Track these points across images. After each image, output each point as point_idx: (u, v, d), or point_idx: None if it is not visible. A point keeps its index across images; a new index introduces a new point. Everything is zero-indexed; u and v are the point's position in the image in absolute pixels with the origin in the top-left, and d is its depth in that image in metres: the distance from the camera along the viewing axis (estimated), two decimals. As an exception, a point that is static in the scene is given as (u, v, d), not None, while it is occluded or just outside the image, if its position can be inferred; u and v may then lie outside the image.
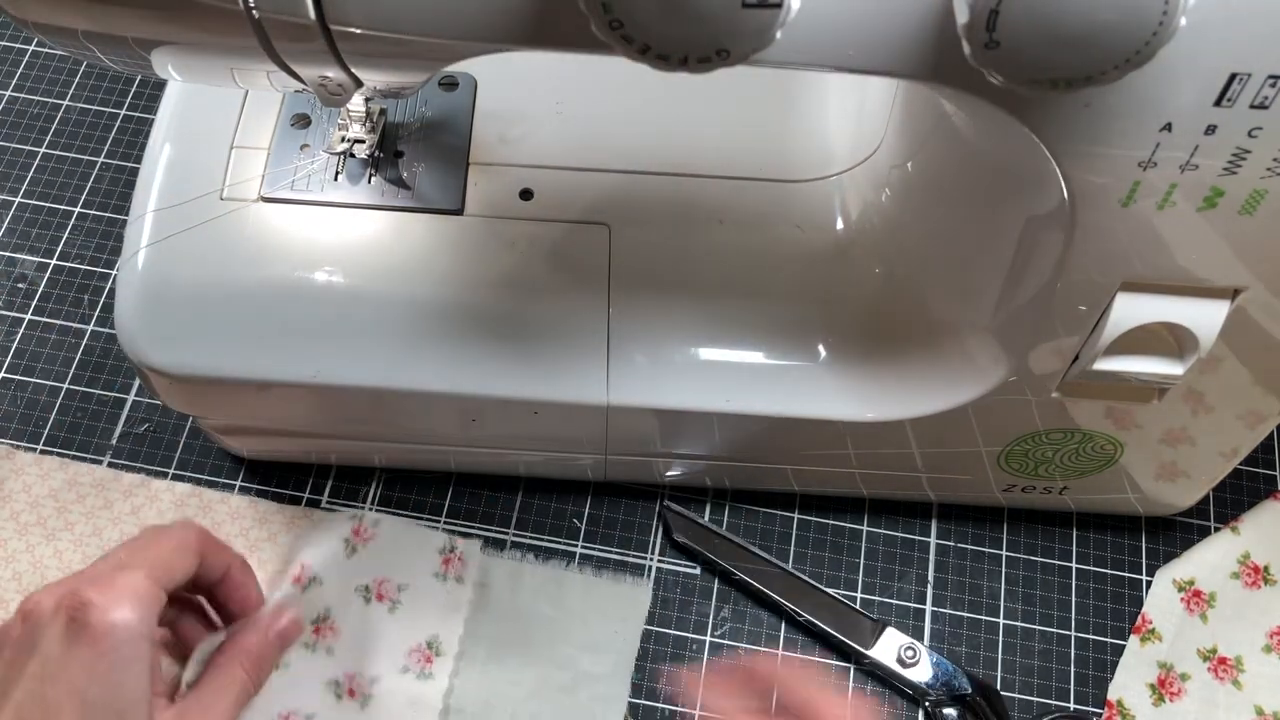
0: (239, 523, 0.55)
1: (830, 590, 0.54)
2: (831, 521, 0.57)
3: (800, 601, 0.54)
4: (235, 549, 0.53)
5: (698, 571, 0.56)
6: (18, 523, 0.54)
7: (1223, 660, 0.54)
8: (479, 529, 0.56)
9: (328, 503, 0.56)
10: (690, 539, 0.55)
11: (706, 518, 0.57)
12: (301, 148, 0.50)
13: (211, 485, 0.56)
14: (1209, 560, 0.56)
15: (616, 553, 0.56)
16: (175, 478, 0.56)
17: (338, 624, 0.51)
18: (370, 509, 0.56)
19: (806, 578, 0.55)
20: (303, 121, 0.51)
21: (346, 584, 0.52)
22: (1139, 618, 0.55)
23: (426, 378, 0.47)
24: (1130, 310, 0.40)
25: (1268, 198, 0.35)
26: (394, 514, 0.55)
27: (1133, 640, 0.54)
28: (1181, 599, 0.55)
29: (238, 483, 0.56)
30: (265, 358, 0.47)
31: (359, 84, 0.37)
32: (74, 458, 0.57)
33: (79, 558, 0.54)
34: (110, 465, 0.57)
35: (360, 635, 0.51)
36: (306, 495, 0.56)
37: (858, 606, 0.54)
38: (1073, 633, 0.55)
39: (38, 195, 0.64)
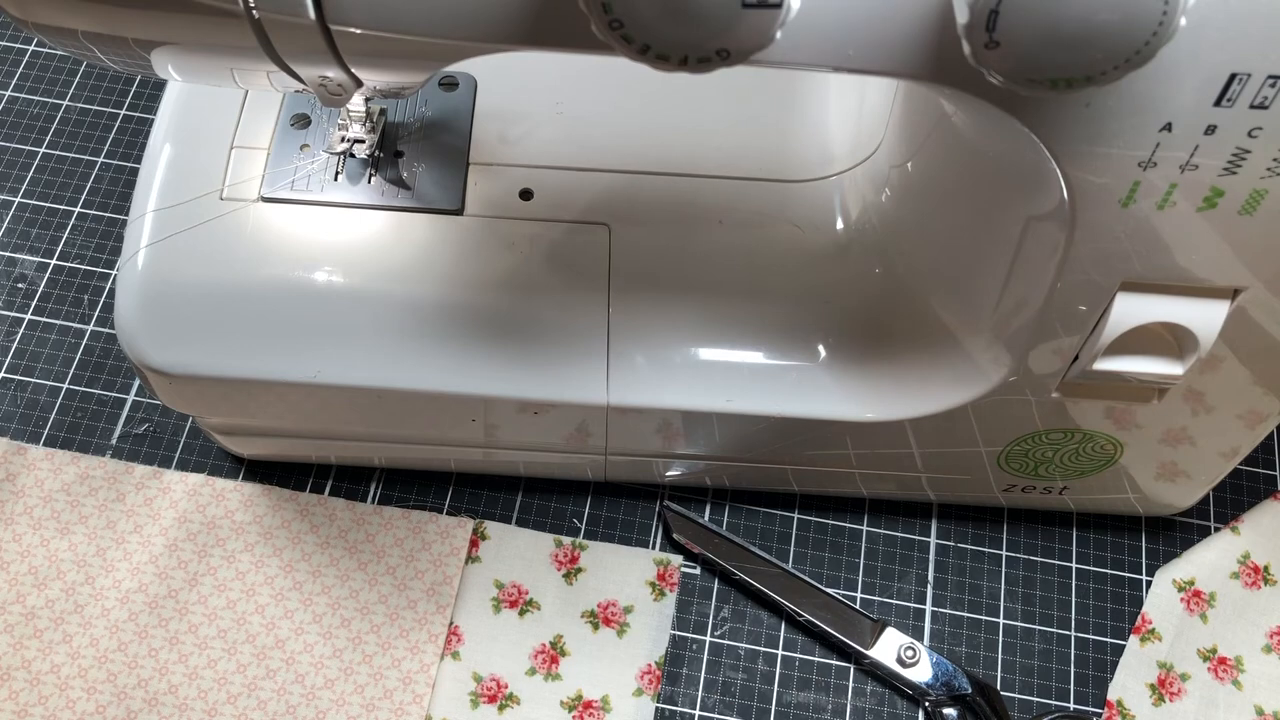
0: (252, 510, 0.55)
1: (830, 590, 0.54)
2: (831, 521, 0.57)
3: (800, 601, 0.54)
4: (249, 536, 0.53)
5: (698, 571, 0.56)
6: (31, 517, 0.55)
7: (1223, 660, 0.54)
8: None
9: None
10: (690, 539, 0.55)
11: (706, 518, 0.57)
12: (301, 148, 0.50)
13: (211, 485, 0.56)
14: (1209, 560, 0.56)
15: (616, 553, 0.56)
16: (175, 478, 0.56)
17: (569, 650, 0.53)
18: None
19: (806, 578, 0.55)
20: (303, 121, 0.51)
21: (570, 611, 0.54)
22: (1139, 618, 0.55)
23: (426, 378, 0.47)
24: (1130, 310, 0.40)
25: (1268, 198, 0.35)
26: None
27: (1133, 640, 0.54)
28: (1181, 599, 0.55)
29: (237, 482, 0.56)
30: (265, 358, 0.47)
31: (359, 84, 0.37)
32: (74, 458, 0.57)
33: (93, 550, 0.54)
34: (110, 465, 0.57)
35: (590, 661, 0.53)
36: (307, 495, 0.56)
37: (857, 606, 0.54)
38: (1073, 633, 0.55)
39: (38, 195, 0.64)
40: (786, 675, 0.54)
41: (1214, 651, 0.54)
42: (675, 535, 0.55)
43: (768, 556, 0.55)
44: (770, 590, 0.54)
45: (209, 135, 0.50)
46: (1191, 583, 0.55)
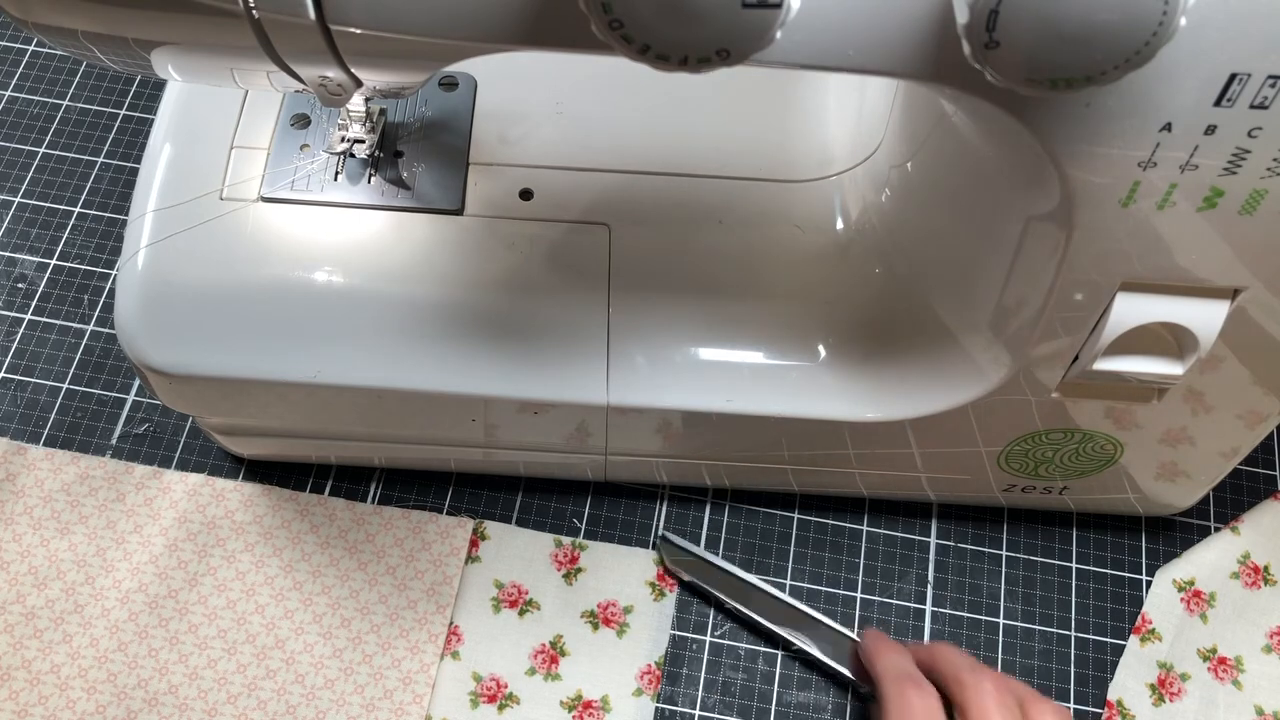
0: (252, 510, 0.55)
1: (828, 620, 0.54)
2: (831, 521, 0.57)
3: (796, 632, 0.53)
4: (249, 536, 0.53)
5: (698, 571, 0.56)
6: (31, 517, 0.55)
7: (1223, 660, 0.54)
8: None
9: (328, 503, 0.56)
10: (684, 570, 0.55)
11: (706, 518, 0.57)
12: (301, 148, 0.50)
13: (211, 485, 0.56)
14: (1209, 560, 0.56)
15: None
16: (175, 478, 0.56)
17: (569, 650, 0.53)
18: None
19: (804, 606, 0.54)
20: (303, 121, 0.51)
21: (570, 611, 0.54)
22: (1139, 618, 0.55)
23: (426, 378, 0.47)
24: (1130, 310, 0.40)
25: (1268, 198, 0.35)
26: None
27: (1133, 640, 0.54)
28: (1181, 599, 0.55)
29: (238, 482, 0.56)
30: (265, 358, 0.47)
31: (359, 84, 0.37)
32: (74, 458, 0.57)
33: (93, 550, 0.54)
34: (110, 465, 0.57)
35: (590, 661, 0.53)
36: (307, 495, 0.56)
37: (852, 631, 0.54)
38: (1073, 633, 0.55)
39: (38, 195, 0.64)
40: (786, 675, 0.54)
41: (1214, 651, 0.54)
42: (669, 565, 0.55)
43: (766, 587, 0.54)
44: (767, 621, 0.53)
45: (209, 135, 0.50)
46: (1191, 583, 0.55)
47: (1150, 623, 0.55)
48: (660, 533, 0.56)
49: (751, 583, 0.54)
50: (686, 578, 0.55)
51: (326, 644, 0.53)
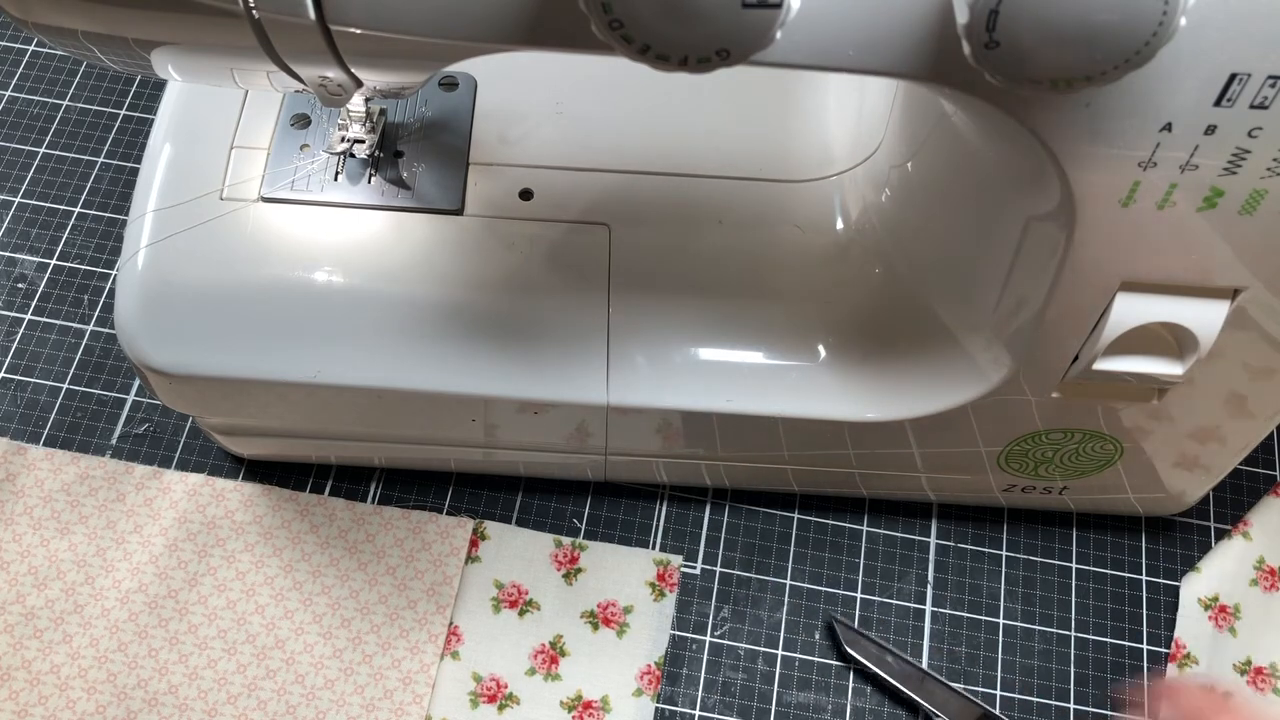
0: (252, 510, 0.55)
1: (1003, 718, 0.52)
2: (831, 521, 0.57)
3: None
4: (249, 536, 0.53)
5: (697, 571, 0.56)
6: (31, 517, 0.55)
7: (1259, 670, 0.53)
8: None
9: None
10: (859, 651, 0.53)
11: (706, 518, 0.57)
12: (301, 148, 0.50)
13: (211, 485, 0.56)
14: (1227, 571, 0.55)
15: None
16: (175, 478, 0.56)
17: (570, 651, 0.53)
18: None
19: (981, 701, 0.52)
20: (303, 121, 0.51)
21: (570, 611, 0.54)
22: (1173, 644, 0.54)
23: (426, 378, 0.47)
24: (1130, 310, 0.40)
25: (1268, 198, 0.35)
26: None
27: (1170, 668, 0.54)
28: (1209, 616, 0.54)
29: (237, 482, 0.56)
30: (265, 358, 0.47)
31: (359, 84, 0.37)
32: (74, 458, 0.57)
33: (93, 550, 0.54)
34: (110, 465, 0.57)
35: (590, 661, 0.53)
36: (307, 495, 0.56)
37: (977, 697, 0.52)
38: (1073, 633, 0.55)
39: (38, 195, 0.64)
40: (786, 675, 0.54)
41: (1249, 664, 0.53)
42: (847, 649, 0.53)
43: (939, 677, 0.53)
44: (941, 714, 0.52)
45: (209, 135, 0.50)
46: (1216, 599, 0.55)
47: (1184, 647, 0.54)
48: (832, 615, 0.55)
49: (928, 672, 0.53)
50: (860, 659, 0.53)
51: (326, 644, 0.53)
